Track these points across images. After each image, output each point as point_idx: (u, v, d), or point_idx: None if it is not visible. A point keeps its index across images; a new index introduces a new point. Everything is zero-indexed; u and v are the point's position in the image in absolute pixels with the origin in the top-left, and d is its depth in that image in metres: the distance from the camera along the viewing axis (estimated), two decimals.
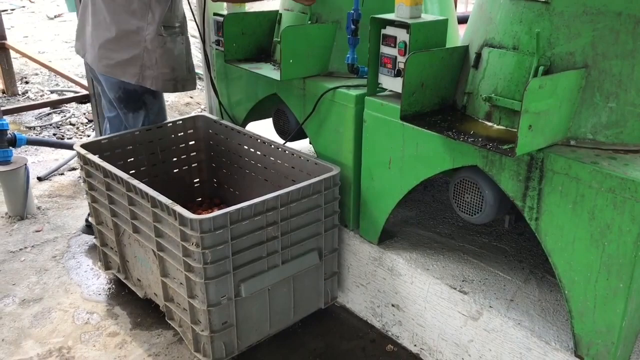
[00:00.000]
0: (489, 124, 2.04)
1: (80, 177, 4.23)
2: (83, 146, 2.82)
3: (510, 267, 2.41)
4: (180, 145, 3.20)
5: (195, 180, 3.32)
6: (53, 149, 4.61)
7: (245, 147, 3.01)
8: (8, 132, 3.65)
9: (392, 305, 2.55)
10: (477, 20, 2.17)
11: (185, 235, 2.20)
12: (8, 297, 2.99)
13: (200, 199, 3.35)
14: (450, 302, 2.28)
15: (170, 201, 2.25)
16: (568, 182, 1.80)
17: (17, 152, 4.00)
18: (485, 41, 2.08)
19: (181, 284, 2.33)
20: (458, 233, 2.67)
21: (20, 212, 3.70)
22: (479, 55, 2.09)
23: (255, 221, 2.28)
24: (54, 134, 5.12)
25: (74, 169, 4.41)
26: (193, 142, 3.24)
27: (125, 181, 2.47)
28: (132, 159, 3.03)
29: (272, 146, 2.83)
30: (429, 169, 2.23)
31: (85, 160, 2.74)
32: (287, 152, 2.77)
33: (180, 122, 3.16)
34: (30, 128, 5.26)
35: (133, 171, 3.04)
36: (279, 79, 2.60)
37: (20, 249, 3.40)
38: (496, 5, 2.04)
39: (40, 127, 5.27)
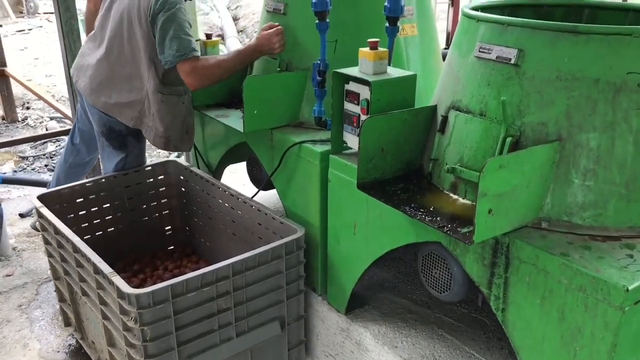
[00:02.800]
0: (454, 196, 1.82)
1: None
2: (41, 197, 2.66)
3: (488, 346, 2.17)
4: (150, 192, 3.03)
5: (167, 228, 3.15)
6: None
7: (214, 197, 2.82)
8: None
9: None
10: (445, 78, 1.95)
11: (123, 309, 2.01)
12: None
13: (172, 247, 3.17)
14: None
15: (110, 270, 2.07)
16: (536, 274, 1.57)
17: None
18: (453, 103, 1.86)
19: (126, 356, 2.15)
20: (436, 301, 2.43)
21: None
22: (445, 119, 1.87)
23: (204, 292, 2.09)
24: (46, 165, 5.01)
25: None
26: (164, 189, 3.06)
27: (71, 242, 2.30)
28: (96, 208, 2.87)
29: (240, 199, 2.64)
30: (393, 240, 2.01)
31: (39, 214, 2.59)
32: (253, 207, 2.57)
33: (150, 168, 3.00)
34: (23, 158, 5.17)
35: (97, 220, 2.88)
36: (241, 130, 2.42)
37: None
38: (464, 64, 1.83)
39: (34, 157, 5.17)
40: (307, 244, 2.37)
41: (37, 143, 5.42)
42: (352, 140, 2.13)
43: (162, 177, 3.04)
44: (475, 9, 1.92)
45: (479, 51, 1.74)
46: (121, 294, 1.99)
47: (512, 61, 1.66)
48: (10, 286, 3.34)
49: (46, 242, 2.66)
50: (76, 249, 2.30)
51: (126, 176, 2.92)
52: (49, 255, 2.68)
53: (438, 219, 1.70)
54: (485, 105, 1.74)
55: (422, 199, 1.82)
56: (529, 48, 1.64)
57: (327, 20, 2.22)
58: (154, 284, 2.76)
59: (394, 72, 2.06)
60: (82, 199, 2.81)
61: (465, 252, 1.74)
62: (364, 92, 2.01)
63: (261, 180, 2.74)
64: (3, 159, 5.19)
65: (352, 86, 2.07)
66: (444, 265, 1.92)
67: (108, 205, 2.90)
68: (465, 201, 1.78)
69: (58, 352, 2.82)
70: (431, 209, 1.75)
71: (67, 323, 2.84)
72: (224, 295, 2.14)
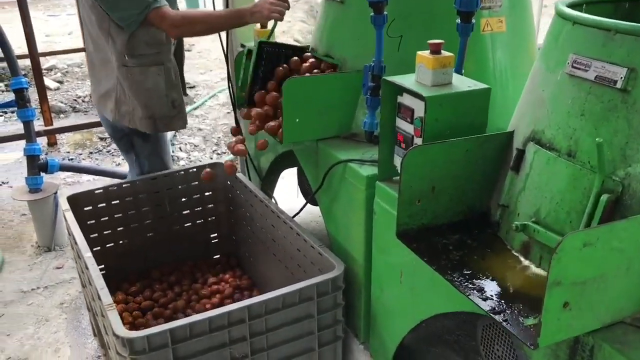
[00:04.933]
0: (525, 262, 1.34)
1: None
2: (71, 198, 2.44)
3: None
4: (194, 196, 2.73)
5: (212, 235, 2.85)
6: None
7: (256, 210, 2.48)
8: (40, 157, 3.41)
9: None
10: (527, 97, 1.46)
11: (118, 349, 1.72)
12: None
13: (218, 255, 2.87)
14: None
15: (109, 301, 1.78)
16: None
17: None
18: (533, 134, 1.37)
19: None
20: None
21: (48, 243, 3.45)
22: (521, 154, 1.39)
23: (213, 337, 1.75)
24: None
25: None
26: (210, 193, 2.76)
27: (83, 259, 2.05)
28: (133, 212, 2.62)
29: (280, 218, 2.28)
30: (444, 304, 1.56)
31: (64, 217, 2.36)
32: (292, 229, 2.19)
33: (194, 170, 2.70)
34: (102, 139, 5.10)
35: (135, 224, 2.63)
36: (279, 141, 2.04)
37: (33, 289, 3.14)
38: (551, 81, 1.33)
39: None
40: (349, 282, 1.96)
41: None
42: None
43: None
44: (575, 4, 1.40)
45: (573, 66, 1.24)
46: (115, 333, 1.69)
47: (618, 84, 1.15)
48: (57, 280, 3.20)
49: (72, 246, 2.44)
50: (84, 267, 2.04)
51: (167, 177, 2.64)
52: (76, 258, 2.47)
53: (496, 295, 1.24)
54: (575, 143, 1.24)
55: (481, 261, 1.36)
56: None
57: (385, 13, 1.78)
58: (188, 301, 2.49)
59: (461, 83, 1.59)
60: (117, 201, 2.57)
61: None
62: (419, 109, 1.56)
63: (309, 194, 2.36)
64: (83, 138, 5.16)
65: (406, 99, 1.62)
66: (508, 344, 1.45)
67: (147, 208, 2.65)
68: (538, 271, 1.31)
69: None
70: (490, 278, 1.29)
71: (94, 333, 2.63)
72: (239, 342, 1.80)
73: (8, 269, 3.31)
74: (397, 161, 1.72)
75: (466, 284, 1.28)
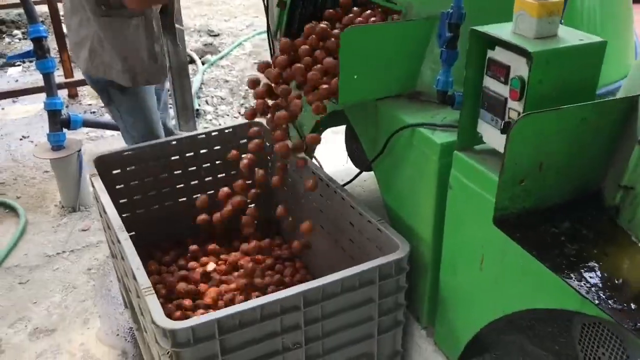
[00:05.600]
0: None
1: None
2: (98, 160, 2.22)
3: None
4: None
5: (249, 201, 2.62)
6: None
7: (300, 177, 2.24)
8: (62, 112, 3.18)
9: None
10: None
11: (157, 339, 1.52)
12: (22, 322, 2.55)
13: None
14: None
15: (147, 284, 1.57)
16: None
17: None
18: None
19: None
20: None
21: (72, 203, 3.27)
22: None
23: (264, 326, 1.54)
24: None
25: None
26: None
27: (115, 232, 1.83)
28: (165, 175, 2.40)
29: (330, 187, 2.03)
30: (542, 298, 1.32)
31: (92, 182, 2.14)
32: (344, 199, 1.95)
33: (230, 130, 2.45)
34: None
35: (167, 189, 2.41)
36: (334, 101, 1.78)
37: (58, 253, 2.97)
38: None
39: None
40: (413, 262, 1.73)
41: None
42: (490, 134, 1.43)
43: (245, 141, 2.49)
44: None
45: None
46: (155, 322, 1.49)
47: None
48: (83, 243, 3.03)
49: (100, 214, 2.23)
50: (115, 239, 1.83)
51: (202, 139, 2.40)
52: (105, 227, 2.26)
53: (623, 299, 0.99)
54: None
55: (601, 255, 1.11)
56: None
57: None
58: (224, 275, 2.28)
59: (569, 35, 1.30)
60: (151, 162, 2.34)
61: None
62: (519, 66, 1.29)
63: (361, 160, 2.11)
64: None
65: (499, 54, 1.35)
66: (619, 349, 1.22)
67: (180, 171, 2.42)
68: None
69: (117, 335, 2.46)
70: (619, 281, 1.05)
71: (125, 304, 2.45)
72: (292, 330, 1.59)
73: (32, 230, 3.14)
74: (482, 127, 1.46)
75: (589, 287, 1.04)
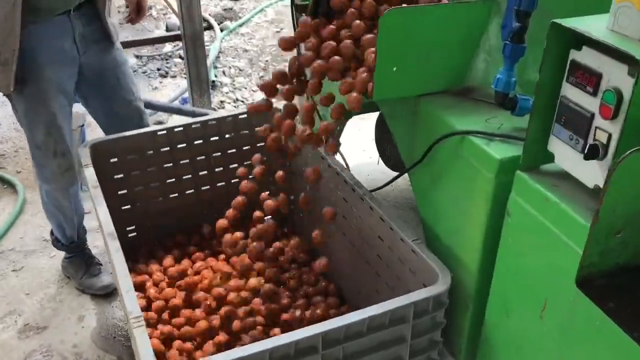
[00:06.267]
0: None
1: None
2: (93, 148, 1.95)
3: None
4: (244, 147, 2.22)
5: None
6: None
7: (323, 175, 1.95)
8: None
9: None
10: None
11: None
12: (12, 316, 2.33)
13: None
14: None
15: (138, 311, 1.32)
16: None
17: None
18: None
19: None
20: None
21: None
22: None
23: None
24: (158, 69, 4.38)
25: (160, 122, 3.65)
26: (262, 144, 2.23)
27: (104, 237, 1.58)
28: (170, 165, 2.13)
29: (355, 192, 1.75)
30: None
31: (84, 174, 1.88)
32: (373, 209, 1.67)
33: (245, 115, 2.17)
34: (137, 57, 4.57)
35: (172, 180, 2.15)
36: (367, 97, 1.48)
37: None
38: None
39: (148, 57, 4.55)
40: (452, 292, 1.46)
41: None
42: (565, 155, 1.13)
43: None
44: None
45: None
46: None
47: None
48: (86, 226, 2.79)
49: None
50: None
51: (212, 125, 2.13)
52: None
53: None
54: None
55: None
56: None
57: None
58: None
59: None
60: (151, 151, 2.08)
61: None
62: (616, 75, 0.99)
63: (394, 161, 1.82)
64: None
65: (587, 57, 1.04)
66: None
67: (187, 160, 2.15)
68: None
69: (114, 338, 2.23)
70: None
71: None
72: None
73: (30, 210, 2.91)
74: (555, 145, 1.16)
75: None
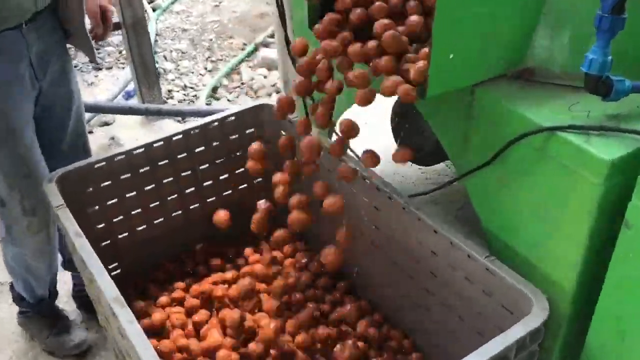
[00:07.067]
0: None
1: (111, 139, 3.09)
2: (61, 179, 1.59)
3: None
4: (236, 154, 1.90)
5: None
6: None
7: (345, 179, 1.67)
8: None
9: None
10: None
11: None
12: None
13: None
14: None
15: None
16: None
17: None
18: None
19: None
20: None
21: None
22: None
23: None
24: (90, 61, 3.91)
25: (106, 123, 3.23)
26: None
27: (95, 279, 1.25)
28: (152, 186, 1.79)
29: (392, 199, 1.48)
30: None
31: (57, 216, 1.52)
32: (420, 219, 1.41)
33: (233, 118, 1.85)
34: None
35: (156, 203, 1.81)
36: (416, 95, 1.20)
37: None
38: None
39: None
40: None
41: None
42: None
43: (252, 130, 1.89)
44: None
45: None
46: None
47: None
48: None
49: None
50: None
51: (194, 134, 1.79)
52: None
53: None
54: None
55: None
56: None
57: None
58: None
59: None
60: (128, 174, 1.73)
61: None
62: None
63: (418, 149, 1.57)
64: None
65: None
66: None
67: (170, 179, 1.81)
68: None
69: None
70: None
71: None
72: None
73: None
74: None
75: None
